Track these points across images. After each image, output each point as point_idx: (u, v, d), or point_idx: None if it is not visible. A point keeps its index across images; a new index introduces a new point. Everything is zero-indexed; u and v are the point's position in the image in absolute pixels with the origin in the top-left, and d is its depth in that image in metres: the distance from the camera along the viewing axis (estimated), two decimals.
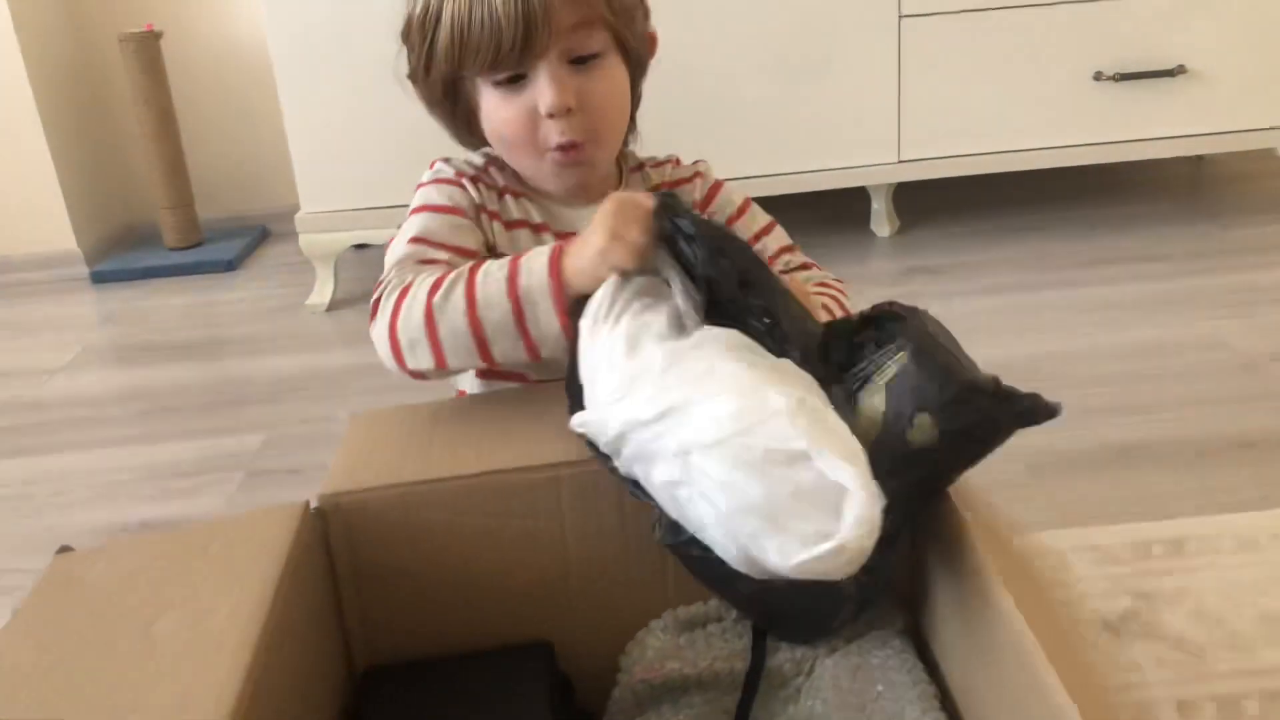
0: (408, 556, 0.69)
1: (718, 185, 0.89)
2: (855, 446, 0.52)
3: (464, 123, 0.84)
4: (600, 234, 0.65)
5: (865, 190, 1.96)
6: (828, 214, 2.04)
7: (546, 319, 0.69)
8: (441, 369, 0.72)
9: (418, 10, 0.78)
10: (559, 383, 0.68)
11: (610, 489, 0.68)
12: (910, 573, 0.71)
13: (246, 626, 0.55)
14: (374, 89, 1.75)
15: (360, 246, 2.01)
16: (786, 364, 0.58)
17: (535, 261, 0.69)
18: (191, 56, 2.31)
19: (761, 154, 1.80)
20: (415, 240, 0.78)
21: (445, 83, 0.80)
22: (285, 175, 2.37)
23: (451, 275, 0.71)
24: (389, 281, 0.74)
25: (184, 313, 1.96)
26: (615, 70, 0.79)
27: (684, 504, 0.55)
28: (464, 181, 0.82)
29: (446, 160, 0.84)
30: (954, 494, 0.62)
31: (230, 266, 2.18)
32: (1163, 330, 1.49)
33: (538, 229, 0.82)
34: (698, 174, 0.89)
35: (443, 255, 0.77)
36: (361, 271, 2.08)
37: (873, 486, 0.50)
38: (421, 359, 0.72)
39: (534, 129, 0.78)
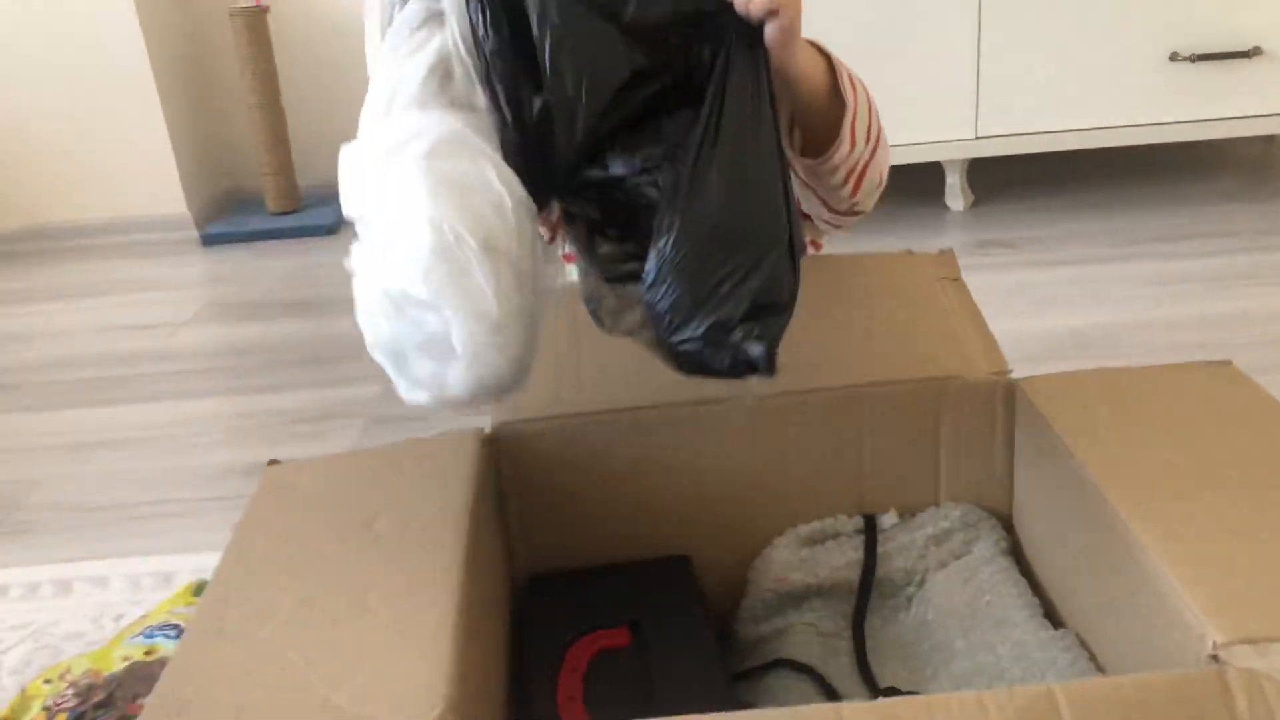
0: (565, 479, 0.78)
1: None
2: (487, 306, 0.52)
3: None
4: None
5: (939, 165, 2.03)
6: (902, 186, 2.11)
7: None
8: None
9: None
10: None
11: (740, 423, 0.78)
12: (1011, 500, 0.80)
13: (455, 525, 0.65)
14: None
15: None
16: (489, 178, 0.55)
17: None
18: (295, 31, 2.42)
19: None
20: None
21: None
22: None
23: None
24: None
25: (290, 273, 2.09)
26: None
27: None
28: None
29: None
30: (1055, 429, 0.70)
31: (330, 231, 2.30)
32: (1233, 303, 1.56)
33: None
34: None
35: None
36: None
37: (488, 354, 0.52)
38: None
39: None
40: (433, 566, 0.61)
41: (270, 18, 2.29)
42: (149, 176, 2.31)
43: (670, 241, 0.58)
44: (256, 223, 2.34)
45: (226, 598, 0.60)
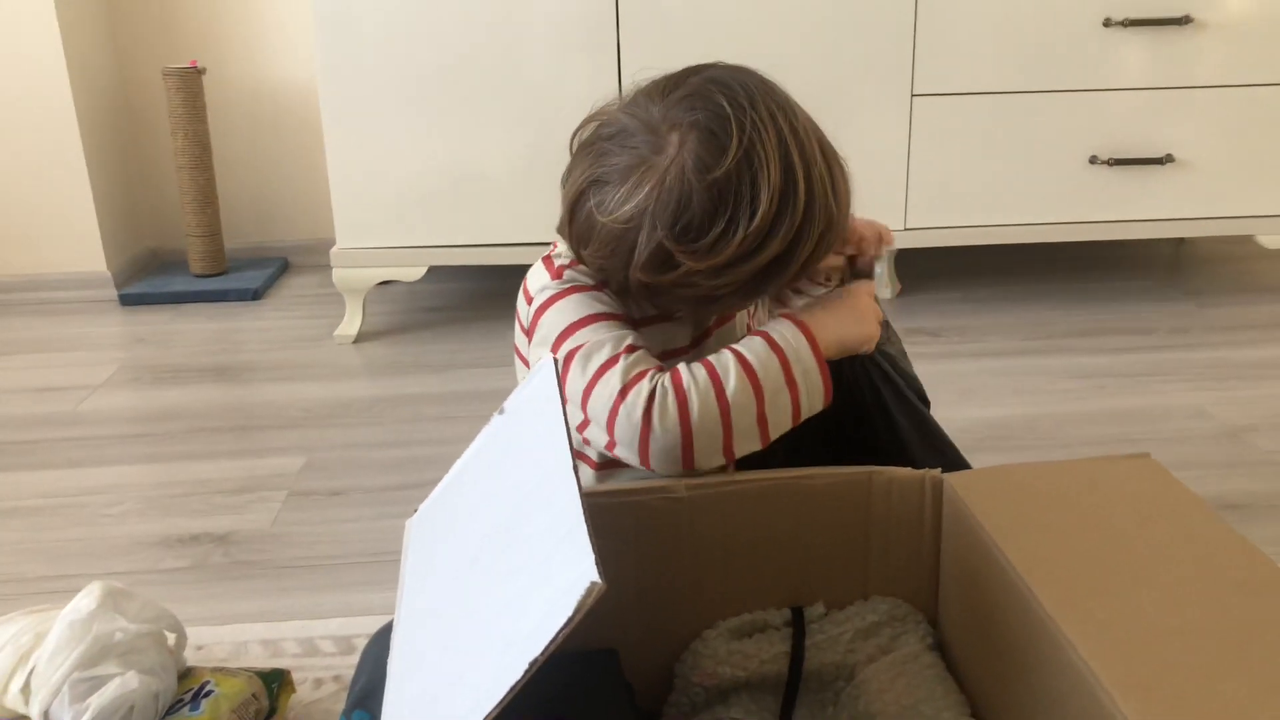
0: None
1: None
2: None
3: (636, 296, 0.85)
4: (868, 325, 0.82)
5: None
6: None
7: (817, 397, 0.79)
8: (729, 463, 0.78)
9: (749, 267, 0.77)
10: None
11: (671, 518, 0.77)
12: (936, 595, 0.80)
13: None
14: (412, 135, 1.86)
15: (385, 283, 2.10)
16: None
17: (801, 350, 0.78)
18: (230, 94, 2.41)
19: None
20: (601, 324, 0.81)
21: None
22: (308, 209, 2.48)
23: (723, 368, 0.76)
24: (628, 378, 0.76)
25: (213, 338, 2.04)
26: None
27: None
28: (605, 291, 0.85)
29: (571, 266, 0.86)
30: (982, 524, 0.71)
31: (255, 295, 2.26)
32: (1149, 398, 1.61)
33: (657, 320, 0.88)
34: None
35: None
36: (386, 306, 2.18)
37: None
38: (715, 458, 0.76)
39: None
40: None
41: (205, 79, 2.28)
42: (69, 233, 2.26)
43: None
44: (179, 284, 2.29)
45: None
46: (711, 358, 0.77)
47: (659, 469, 0.75)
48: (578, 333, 0.80)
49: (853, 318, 0.83)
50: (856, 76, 1.88)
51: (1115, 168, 1.94)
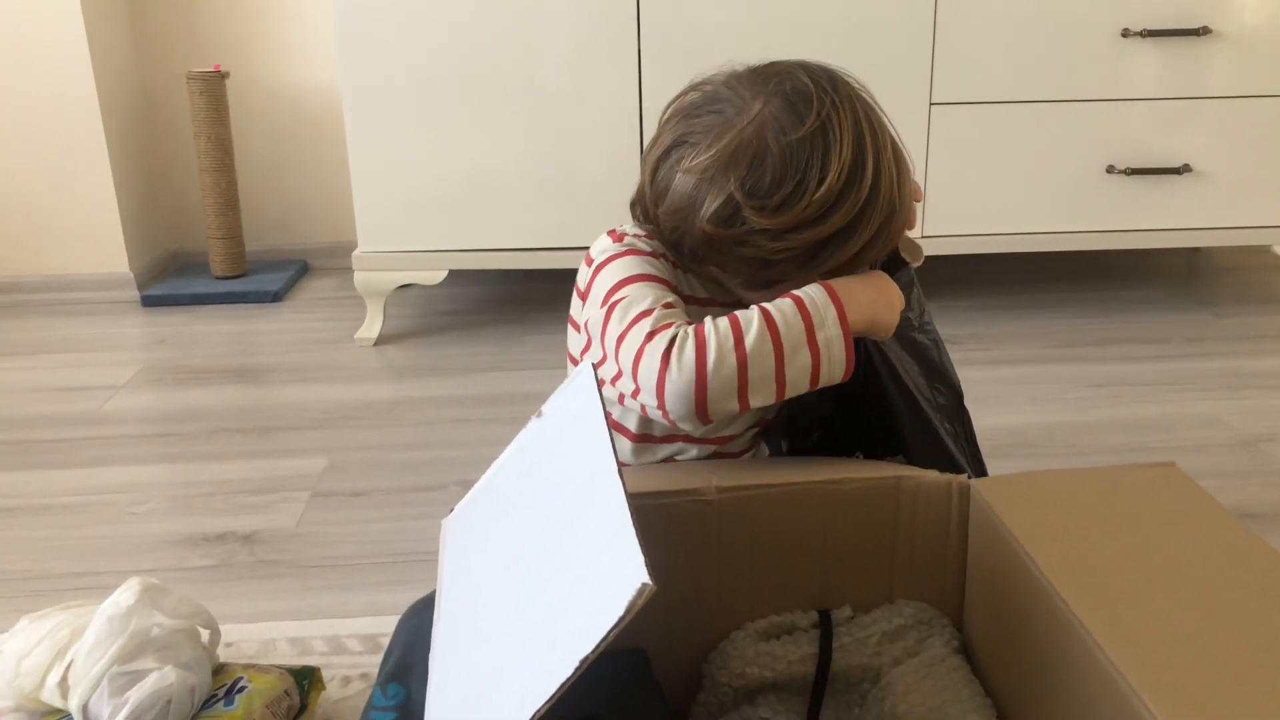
0: None
1: None
2: None
3: (754, 285, 0.87)
4: (894, 313, 0.83)
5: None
6: None
7: (838, 367, 0.79)
8: (744, 411, 0.79)
9: (814, 232, 0.80)
10: None
11: (700, 521, 0.78)
12: (962, 599, 0.82)
13: None
14: (434, 139, 1.88)
15: (405, 286, 2.12)
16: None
17: (828, 317, 0.79)
18: (253, 97, 2.43)
19: None
20: (648, 283, 0.83)
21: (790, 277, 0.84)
22: (328, 213, 2.50)
23: (746, 320, 0.78)
24: (657, 325, 0.78)
25: (234, 339, 2.06)
26: None
27: None
28: (662, 260, 0.87)
29: (634, 236, 0.89)
30: (1009, 529, 0.72)
31: (275, 298, 2.28)
32: (1164, 407, 1.61)
33: (703, 303, 0.90)
34: None
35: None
36: (405, 310, 2.19)
37: None
38: (729, 403, 0.77)
39: None
40: None
41: (229, 83, 2.30)
42: (92, 234, 2.28)
43: None
44: (201, 286, 2.32)
45: None
46: (739, 311, 0.79)
47: (675, 412, 0.76)
48: (626, 288, 0.82)
49: (885, 301, 0.83)
50: (875, 85, 1.88)
51: (1132, 177, 1.95)
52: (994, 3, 1.86)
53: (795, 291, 0.81)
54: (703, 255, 0.85)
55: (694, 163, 0.82)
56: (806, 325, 0.78)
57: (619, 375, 0.80)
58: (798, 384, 0.78)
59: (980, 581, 0.79)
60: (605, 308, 0.82)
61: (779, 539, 0.80)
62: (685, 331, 0.76)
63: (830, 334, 0.78)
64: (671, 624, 0.80)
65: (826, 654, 0.78)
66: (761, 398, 0.77)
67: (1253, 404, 1.62)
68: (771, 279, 0.84)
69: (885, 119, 0.86)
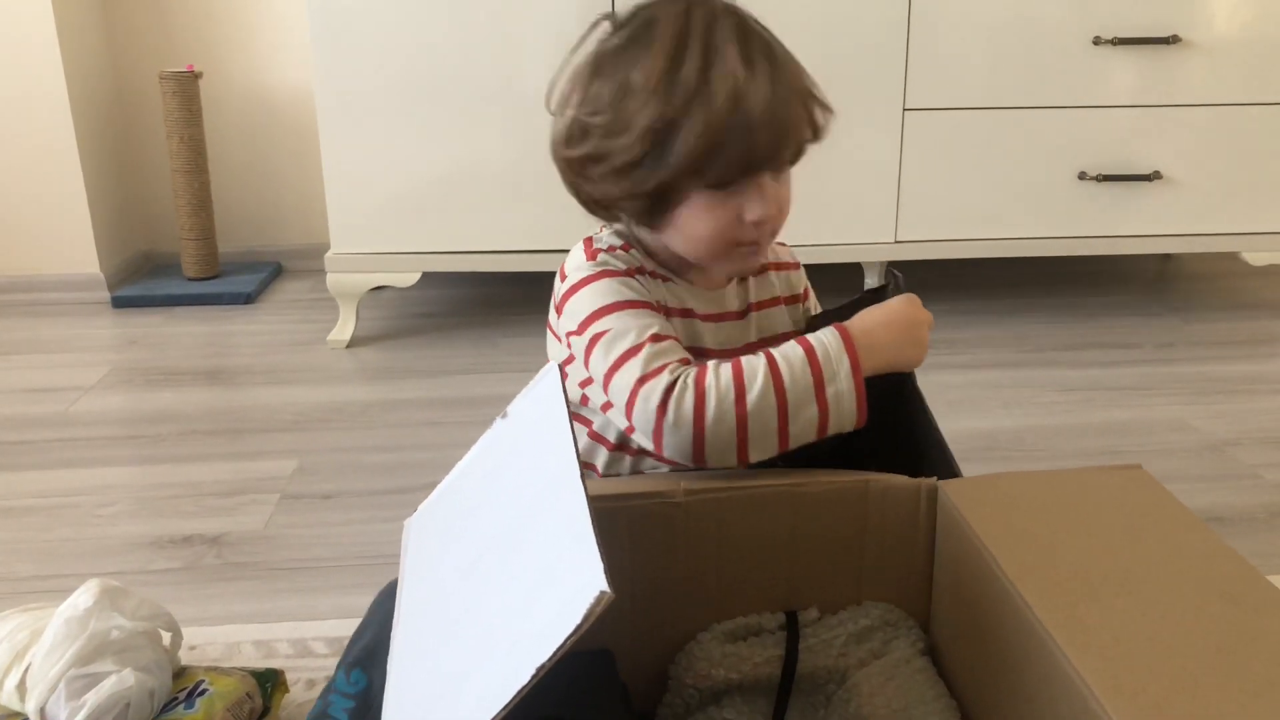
0: None
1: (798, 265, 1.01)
2: None
3: (653, 214, 0.85)
4: (920, 347, 0.81)
5: (859, 265, 2.09)
6: (823, 284, 2.16)
7: (848, 419, 0.77)
8: (743, 464, 0.78)
9: (646, 116, 0.79)
10: None
11: (668, 523, 0.78)
12: (929, 601, 0.82)
13: None
14: (408, 140, 1.87)
15: (378, 288, 2.11)
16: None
17: (840, 371, 0.76)
18: (226, 98, 2.42)
19: None
20: (627, 311, 0.81)
21: (662, 183, 0.81)
22: (302, 214, 2.48)
23: (750, 372, 0.75)
24: (650, 370, 0.76)
25: (206, 341, 2.04)
26: (790, 174, 0.87)
27: None
28: (637, 277, 0.85)
29: (608, 250, 0.87)
30: (975, 531, 0.72)
31: (248, 299, 2.26)
32: (1134, 411, 1.62)
33: (685, 314, 0.89)
34: (795, 260, 1.00)
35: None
36: (378, 312, 2.18)
37: None
38: (728, 459, 0.76)
39: (735, 231, 0.83)
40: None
41: (202, 83, 2.28)
42: (62, 235, 2.26)
43: None
44: (173, 287, 2.30)
45: None
46: (746, 358, 0.76)
47: (672, 458, 0.76)
48: (604, 318, 0.80)
49: (909, 337, 0.81)
50: (849, 91, 1.89)
51: (1104, 184, 1.97)
52: (967, 10, 1.88)
53: (809, 337, 0.78)
54: (584, 195, 0.87)
55: (554, 104, 0.86)
56: (816, 379, 0.75)
57: (609, 405, 0.79)
58: (802, 437, 0.76)
59: (946, 583, 0.79)
60: (586, 337, 0.80)
61: (747, 541, 0.80)
62: (685, 381, 0.74)
63: (841, 388, 0.76)
64: (639, 625, 0.80)
65: (793, 655, 0.78)
66: (761, 453, 0.76)
67: (1220, 408, 1.64)
68: (652, 194, 0.81)
69: (763, 31, 0.86)
